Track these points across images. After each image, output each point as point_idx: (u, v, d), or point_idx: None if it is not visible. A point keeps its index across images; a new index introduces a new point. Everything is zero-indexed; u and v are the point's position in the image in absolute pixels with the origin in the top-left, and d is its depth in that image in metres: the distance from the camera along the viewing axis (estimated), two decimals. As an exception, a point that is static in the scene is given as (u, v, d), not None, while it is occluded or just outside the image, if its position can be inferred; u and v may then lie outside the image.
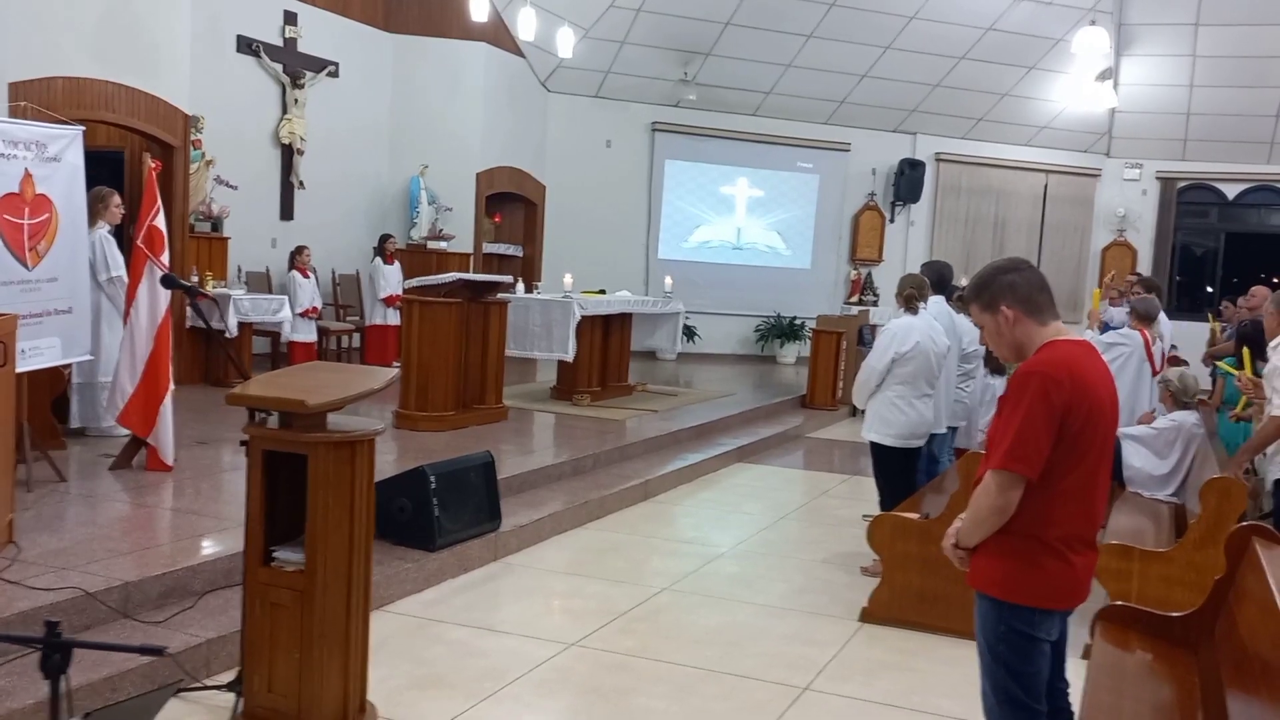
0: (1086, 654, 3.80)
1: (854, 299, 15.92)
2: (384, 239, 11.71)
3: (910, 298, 5.89)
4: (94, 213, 6.45)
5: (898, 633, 5.05)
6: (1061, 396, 2.69)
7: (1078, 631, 3.44)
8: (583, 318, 9.45)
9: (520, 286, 10.15)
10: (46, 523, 4.96)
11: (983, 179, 16.32)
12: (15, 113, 5.87)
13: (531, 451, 7.73)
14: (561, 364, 9.87)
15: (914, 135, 16.09)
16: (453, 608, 5.08)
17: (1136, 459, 6.22)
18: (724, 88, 15.01)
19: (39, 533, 4.77)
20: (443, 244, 12.57)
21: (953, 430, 6.67)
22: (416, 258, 12.12)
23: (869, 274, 16.26)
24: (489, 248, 13.94)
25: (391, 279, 11.45)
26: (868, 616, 5.19)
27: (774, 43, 14.23)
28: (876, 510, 5.99)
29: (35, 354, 5.43)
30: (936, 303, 6.23)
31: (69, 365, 6.37)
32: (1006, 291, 2.85)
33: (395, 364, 9.40)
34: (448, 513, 5.54)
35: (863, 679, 4.49)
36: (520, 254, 14.66)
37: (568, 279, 10.03)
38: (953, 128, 15.98)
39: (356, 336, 11.74)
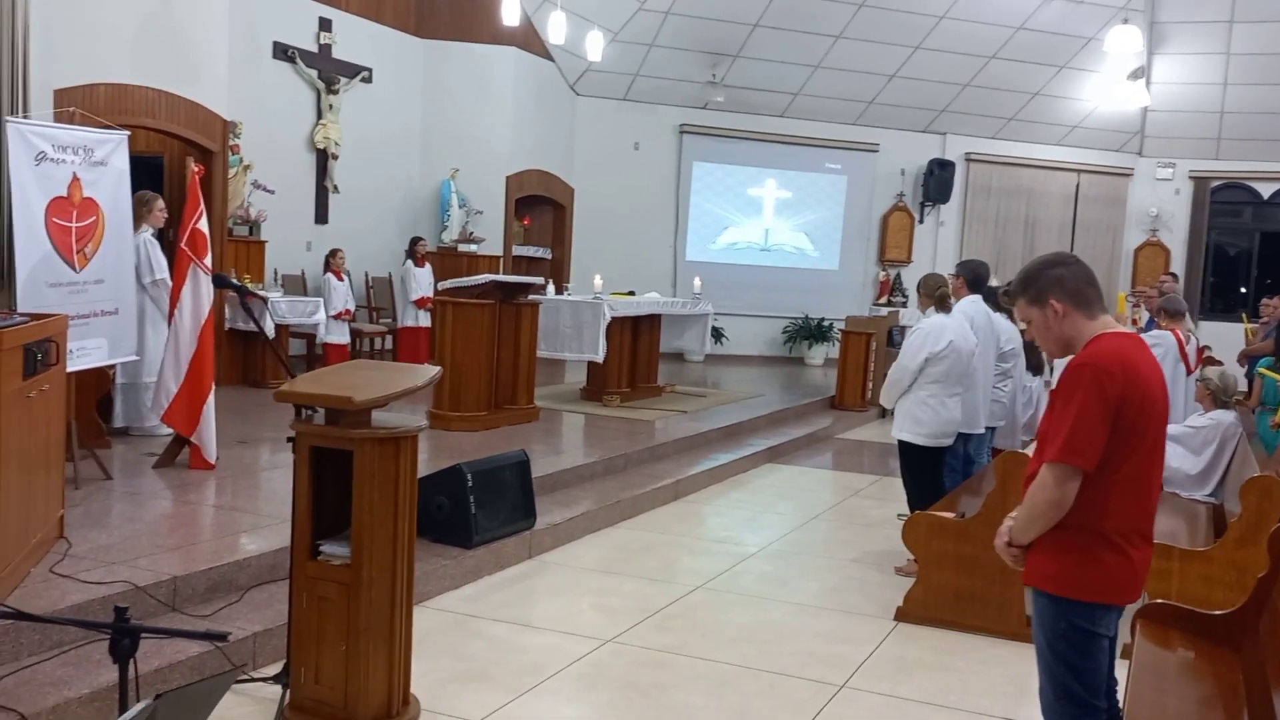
0: (1125, 653, 3.80)
1: (882, 300, 15.88)
2: (414, 241, 11.82)
3: (943, 297, 5.91)
4: (138, 216, 6.57)
5: (933, 632, 5.05)
6: (1115, 388, 2.70)
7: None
8: (612, 319, 9.51)
9: (551, 288, 10.22)
10: (95, 519, 5.07)
11: (1013, 179, 16.24)
12: (62, 118, 5.99)
13: (563, 451, 7.79)
14: (591, 365, 9.93)
15: (943, 135, 16.04)
16: (491, 604, 5.15)
17: (1174, 459, 6.19)
18: (752, 89, 15.03)
19: (88, 528, 4.87)
20: (473, 247, 12.67)
21: (990, 430, 6.67)
22: (447, 260, 12.23)
23: (898, 275, 16.20)
24: (518, 250, 14.03)
25: (423, 281, 11.56)
26: (903, 615, 5.21)
27: (802, 44, 14.24)
28: (908, 510, 6.00)
29: (83, 354, 5.54)
30: (973, 301, 6.24)
31: (113, 366, 6.49)
32: (1055, 285, 2.86)
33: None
34: (484, 511, 5.60)
35: (899, 677, 4.51)
36: (549, 256, 14.74)
37: (598, 280, 10.09)
38: (983, 127, 15.92)
39: (389, 338, 11.85)
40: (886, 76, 14.94)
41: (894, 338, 12.34)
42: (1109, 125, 15.72)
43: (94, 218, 5.71)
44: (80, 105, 6.49)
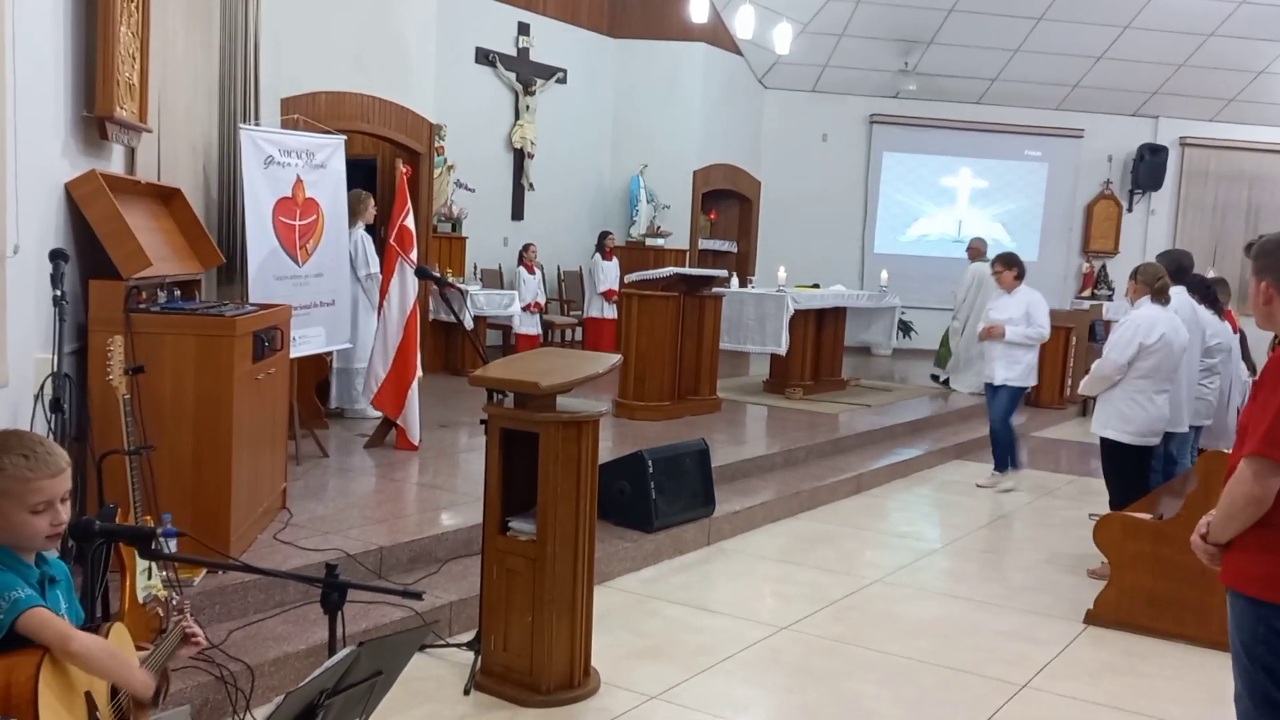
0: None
1: (1086, 293, 15.13)
2: (603, 236, 12.19)
3: (1163, 288, 5.62)
4: (354, 214, 7.12)
5: (1125, 636, 4.86)
6: None
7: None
8: (796, 312, 9.52)
9: (735, 281, 10.31)
10: (313, 492, 5.55)
11: (1234, 164, 15.11)
12: (287, 124, 6.55)
13: (744, 442, 7.88)
14: (774, 357, 9.97)
15: (1155, 119, 15.11)
16: (669, 586, 5.31)
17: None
18: (946, 76, 14.62)
19: (306, 500, 5.35)
20: (660, 241, 12.94)
21: (1195, 430, 6.31)
22: (635, 254, 12.54)
23: (1103, 266, 15.40)
24: (704, 243, 14.21)
25: (610, 274, 11.91)
26: (1093, 618, 5.02)
27: (1000, 27, 13.73)
28: (1106, 511, 5.75)
29: (304, 342, 6.07)
30: (1177, 293, 5.91)
31: (329, 352, 7.05)
32: (1276, 269, 2.74)
33: (615, 356, 9.77)
34: (664, 496, 5.77)
35: (1085, 680, 4.37)
36: (735, 249, 14.84)
37: (781, 273, 10.12)
38: (1200, 109, 14.89)
39: (579, 330, 12.27)
40: (1093, 58, 14.20)
41: (1096, 332, 11.77)
42: (1349, 102, 14.40)
43: (315, 216, 6.24)
44: (303, 112, 7.06)
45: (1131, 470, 5.74)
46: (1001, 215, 15.60)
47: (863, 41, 14.08)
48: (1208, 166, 15.19)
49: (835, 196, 15.14)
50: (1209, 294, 6.26)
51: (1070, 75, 14.57)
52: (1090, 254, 15.51)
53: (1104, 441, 5.78)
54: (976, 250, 11.38)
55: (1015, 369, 7.49)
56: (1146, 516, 5.07)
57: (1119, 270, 14.91)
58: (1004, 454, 7.81)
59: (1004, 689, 4.23)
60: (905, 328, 14.04)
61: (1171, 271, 5.80)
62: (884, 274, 11.74)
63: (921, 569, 5.85)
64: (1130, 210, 15.44)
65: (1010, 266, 7.68)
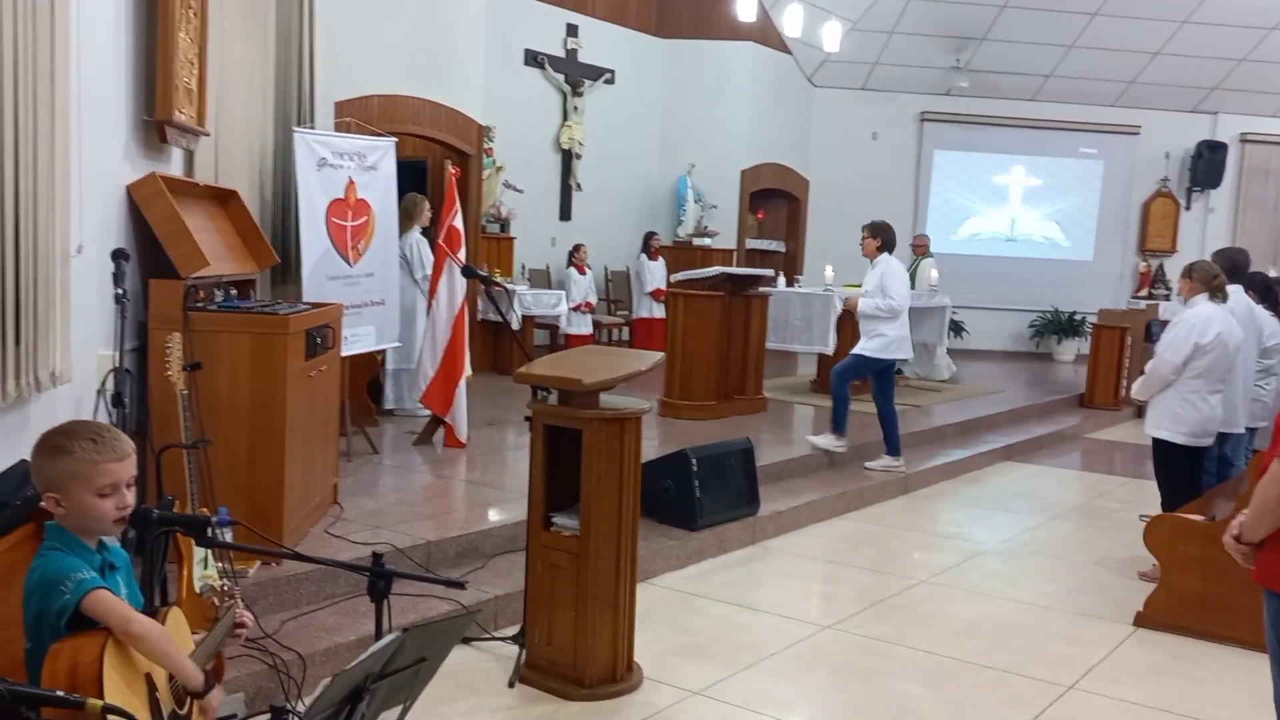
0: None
1: (1143, 292, 14.87)
2: (648, 236, 12.24)
3: (1220, 286, 5.52)
4: (410, 217, 7.24)
5: (1175, 639, 4.80)
6: None
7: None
8: (843, 311, 9.47)
9: (781, 280, 10.29)
10: (363, 488, 5.66)
11: (1297, 160, 14.76)
12: (340, 127, 6.68)
13: (790, 442, 7.86)
14: (821, 357, 9.93)
15: (1214, 115, 14.80)
16: (713, 584, 5.33)
17: None
18: (999, 73, 14.45)
19: (357, 496, 5.46)
20: (707, 240, 12.94)
21: (1250, 431, 6.19)
22: (682, 254, 12.55)
23: (1160, 265, 15.13)
24: (751, 243, 14.19)
25: (656, 274, 11.95)
26: (1142, 621, 4.96)
27: (1055, 23, 13.53)
28: (1157, 513, 5.67)
29: (355, 340, 6.19)
30: (1233, 292, 5.80)
31: (383, 352, 7.17)
32: None
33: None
34: (708, 495, 5.80)
35: (1133, 682, 4.32)
36: (783, 249, 14.80)
37: (828, 272, 10.08)
38: (1261, 105, 14.54)
39: (626, 330, 12.32)
40: (1149, 54, 13.95)
41: (1152, 332, 11.56)
42: None
43: (366, 217, 6.36)
44: (357, 115, 7.19)
45: (1183, 471, 5.64)
46: (1055, 214, 15.39)
47: (913, 39, 13.97)
48: (1268, 164, 14.84)
49: (885, 195, 15.00)
50: (1269, 294, 6.13)
51: (1126, 71, 14.32)
52: (1147, 253, 15.25)
53: (1156, 442, 5.70)
54: (921, 246, 11.99)
55: (874, 341, 7.23)
56: (1198, 518, 4.99)
57: (1176, 269, 14.59)
58: (840, 415, 7.44)
59: (1050, 690, 4.20)
60: (956, 327, 13.90)
61: (1227, 270, 5.69)
62: (934, 273, 11.64)
63: (969, 570, 5.81)
64: (1188, 208, 15.14)
65: (875, 235, 7.32)
